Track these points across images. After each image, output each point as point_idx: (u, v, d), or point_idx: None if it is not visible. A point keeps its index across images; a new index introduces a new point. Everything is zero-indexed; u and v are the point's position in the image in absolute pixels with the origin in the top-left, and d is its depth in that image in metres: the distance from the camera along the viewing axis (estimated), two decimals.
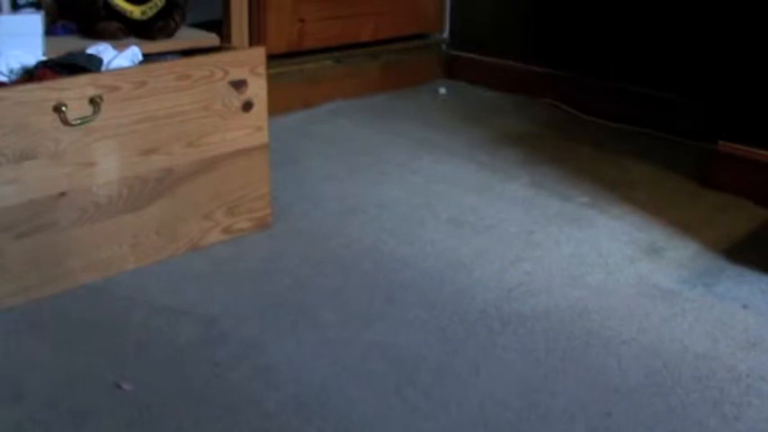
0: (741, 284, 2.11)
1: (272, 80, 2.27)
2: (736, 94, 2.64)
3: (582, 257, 2.22)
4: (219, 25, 2.37)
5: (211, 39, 2.31)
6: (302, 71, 3.24)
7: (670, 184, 2.71)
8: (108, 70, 2.03)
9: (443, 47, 3.71)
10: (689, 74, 3.05)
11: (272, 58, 2.38)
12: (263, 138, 2.22)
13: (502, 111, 3.33)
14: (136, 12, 2.28)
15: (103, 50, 2.10)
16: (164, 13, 2.30)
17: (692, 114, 3.02)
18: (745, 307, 2.00)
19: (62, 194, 1.93)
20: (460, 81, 3.65)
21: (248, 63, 2.15)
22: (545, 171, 2.75)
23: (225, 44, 2.28)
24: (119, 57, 2.08)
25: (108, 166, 1.98)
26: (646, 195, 2.60)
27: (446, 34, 3.74)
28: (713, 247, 2.29)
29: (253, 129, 2.19)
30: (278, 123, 3.01)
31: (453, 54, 3.72)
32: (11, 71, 2.01)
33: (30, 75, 1.99)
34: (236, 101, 2.14)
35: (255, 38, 2.73)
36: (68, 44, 2.19)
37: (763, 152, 2.54)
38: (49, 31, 2.27)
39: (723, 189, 2.62)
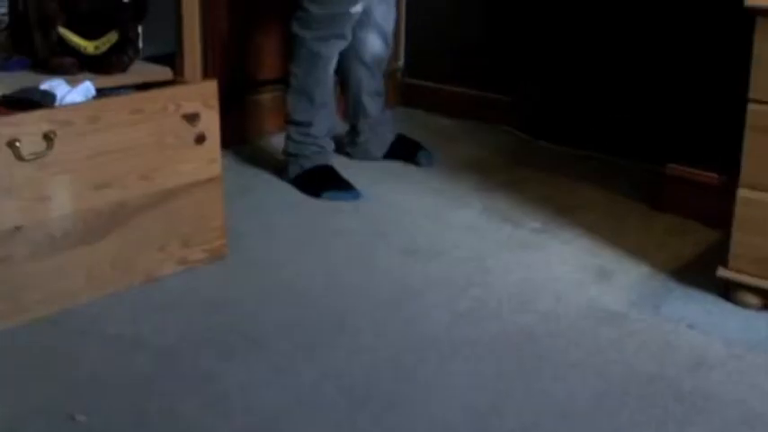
0: (688, 305, 2.16)
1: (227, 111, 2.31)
2: (682, 118, 2.70)
3: (532, 282, 2.26)
4: (174, 58, 2.39)
5: (164, 72, 2.33)
6: (256, 101, 3.27)
7: (620, 207, 2.76)
8: (61, 105, 2.05)
9: (399, 75, 3.76)
10: (638, 97, 3.11)
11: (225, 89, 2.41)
12: (215, 170, 2.24)
13: (457, 138, 3.38)
14: (89, 47, 2.30)
15: (57, 86, 2.12)
16: (117, 48, 2.31)
17: (642, 138, 3.07)
18: (690, 327, 2.05)
19: (17, 228, 1.95)
20: (417, 109, 3.69)
21: (200, 96, 2.18)
22: (498, 197, 2.79)
23: (178, 78, 2.30)
24: (72, 92, 2.10)
25: (62, 199, 2.00)
26: (597, 219, 2.64)
27: (401, 63, 3.78)
28: (662, 268, 2.34)
29: (206, 161, 2.22)
30: (234, 152, 3.04)
31: (409, 82, 3.76)
32: None
33: None
34: (189, 134, 2.17)
35: (211, 70, 2.75)
36: (22, 79, 2.20)
37: (708, 174, 2.60)
38: (3, 66, 2.28)
39: (672, 211, 2.67)
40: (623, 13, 3.10)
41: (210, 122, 2.20)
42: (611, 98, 3.18)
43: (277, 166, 2.93)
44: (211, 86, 2.21)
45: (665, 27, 2.95)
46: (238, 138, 3.12)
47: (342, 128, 3.08)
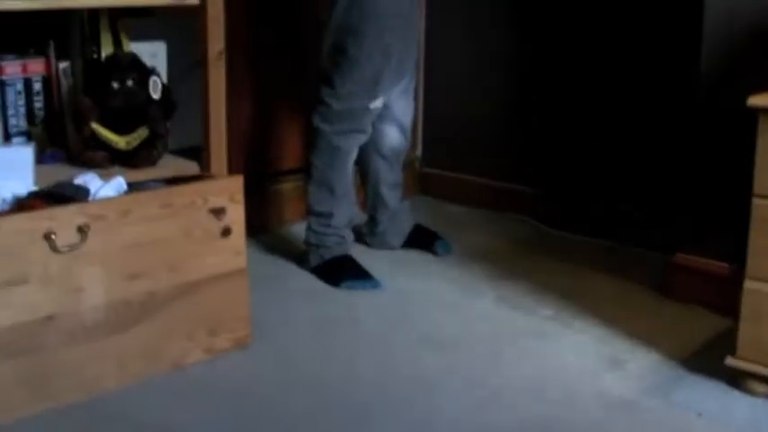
0: (697, 393, 2.22)
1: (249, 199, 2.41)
2: (692, 209, 2.77)
3: (545, 372, 2.32)
4: (200, 151, 2.49)
5: (192, 167, 2.43)
6: (278, 190, 3.38)
7: (632, 295, 2.83)
8: (95, 200, 2.15)
9: (416, 164, 3.86)
10: (649, 188, 3.20)
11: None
12: (241, 262, 2.33)
13: (473, 227, 3.46)
14: (121, 142, 2.41)
15: (90, 180, 2.22)
16: (147, 143, 2.42)
17: (653, 227, 3.15)
18: (699, 415, 2.11)
19: (50, 317, 2.03)
20: (434, 197, 3.78)
21: (227, 191, 2.27)
22: (513, 286, 2.86)
23: (205, 172, 2.40)
24: (105, 186, 2.20)
25: (95, 290, 2.09)
26: (608, 307, 2.70)
27: (419, 152, 3.88)
28: (672, 356, 2.40)
29: (232, 253, 2.30)
30: (256, 240, 3.13)
31: (426, 171, 3.86)
32: (3, 201, 2.12)
33: (21, 204, 2.11)
34: (216, 227, 2.26)
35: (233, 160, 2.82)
36: (57, 172, 2.32)
37: (718, 263, 2.68)
38: (39, 158, 2.38)
39: (682, 299, 2.74)
40: (638, 108, 3.22)
41: (236, 216, 2.30)
42: (623, 188, 3.28)
43: (298, 255, 3.01)
44: (237, 182, 2.30)
45: (676, 123, 3.04)
46: (260, 226, 3.21)
47: (361, 218, 3.17)
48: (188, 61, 2.55)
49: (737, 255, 2.31)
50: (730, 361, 2.21)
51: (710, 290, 2.68)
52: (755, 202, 2.15)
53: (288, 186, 3.40)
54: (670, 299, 2.76)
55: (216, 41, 2.36)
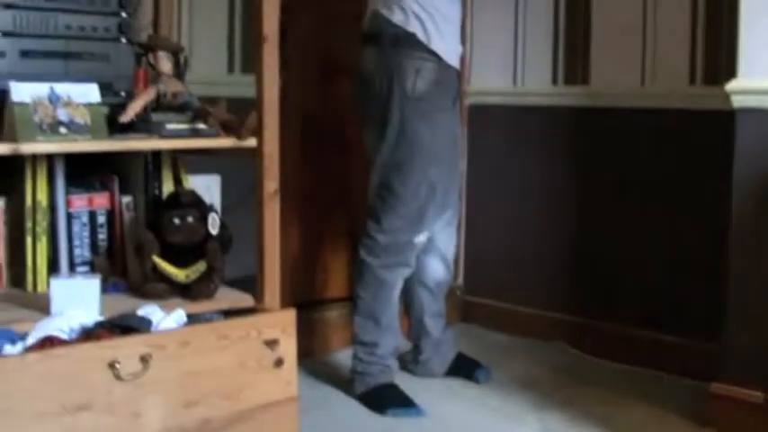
0: None
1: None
2: (728, 338, 2.84)
3: None
4: (254, 283, 2.61)
5: (246, 299, 2.56)
6: (324, 318, 3.50)
7: (669, 423, 2.89)
8: (157, 331, 2.27)
9: (458, 293, 3.96)
10: (686, 318, 3.29)
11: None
12: (292, 391, 2.42)
13: (514, 355, 3.55)
14: (180, 275, 2.54)
15: (152, 312, 2.34)
16: (205, 277, 2.55)
17: (690, 356, 3.22)
18: None
19: None
20: (475, 325, 3.88)
21: (280, 324, 2.38)
22: (553, 415, 2.93)
23: (258, 305, 2.52)
24: (166, 318, 2.32)
25: (154, 416, 2.19)
26: None
27: (461, 281, 4.00)
28: None
29: (284, 383, 2.40)
30: (303, 367, 3.21)
31: (468, 299, 3.97)
32: (71, 330, 2.25)
33: (88, 333, 2.23)
34: (269, 358, 2.37)
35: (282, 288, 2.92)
36: (121, 303, 2.44)
37: (752, 392, 2.74)
38: (102, 288, 2.48)
39: (718, 428, 2.79)
40: (674, 240, 3.33)
41: (288, 348, 2.40)
42: (662, 317, 3.36)
43: (343, 382, 3.11)
44: (290, 315, 2.41)
45: (712, 254, 3.14)
46: (306, 353, 3.27)
47: (405, 345, 3.26)
48: (240, 192, 2.69)
49: None
50: None
51: (746, 419, 2.73)
52: None
53: (333, 314, 3.52)
54: (707, 427, 2.81)
55: (271, 180, 2.48)
